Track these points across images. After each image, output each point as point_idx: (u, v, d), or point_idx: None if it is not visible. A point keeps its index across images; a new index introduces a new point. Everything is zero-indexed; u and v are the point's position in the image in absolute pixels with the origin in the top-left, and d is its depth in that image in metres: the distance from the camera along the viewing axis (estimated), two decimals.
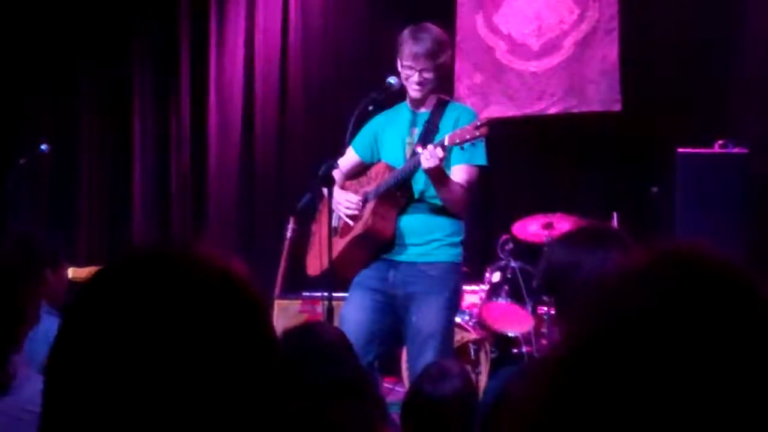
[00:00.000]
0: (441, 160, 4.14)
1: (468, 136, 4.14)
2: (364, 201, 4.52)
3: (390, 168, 4.48)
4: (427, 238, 4.41)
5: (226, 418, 0.97)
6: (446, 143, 4.16)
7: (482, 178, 4.52)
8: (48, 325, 1.88)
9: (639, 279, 0.93)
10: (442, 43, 4.47)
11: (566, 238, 2.62)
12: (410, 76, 4.42)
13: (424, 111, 4.51)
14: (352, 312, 4.40)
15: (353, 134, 4.52)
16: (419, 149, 4.28)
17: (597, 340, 0.91)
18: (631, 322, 0.90)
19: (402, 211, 4.44)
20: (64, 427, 0.98)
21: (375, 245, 4.46)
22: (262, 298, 1.06)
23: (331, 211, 4.43)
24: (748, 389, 0.86)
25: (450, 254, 4.43)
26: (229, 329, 0.99)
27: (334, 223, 4.60)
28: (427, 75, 4.41)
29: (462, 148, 4.19)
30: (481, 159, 4.39)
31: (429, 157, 4.13)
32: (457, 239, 4.45)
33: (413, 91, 4.44)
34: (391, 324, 4.45)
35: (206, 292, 1.00)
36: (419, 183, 4.40)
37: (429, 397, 2.96)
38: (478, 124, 4.15)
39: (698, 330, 0.88)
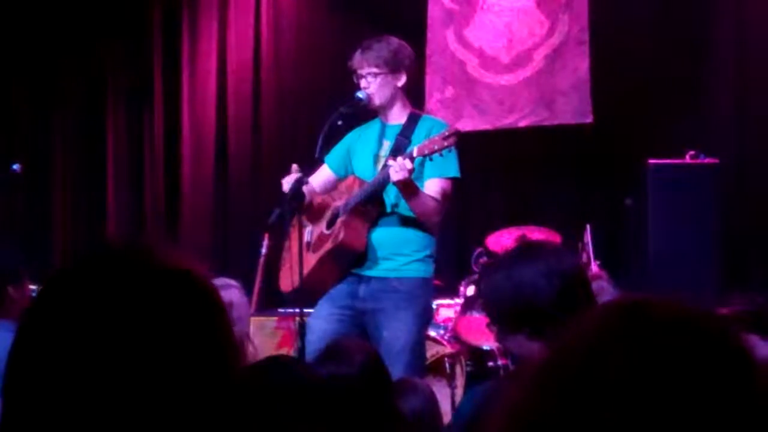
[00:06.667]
0: (410, 172, 4.13)
1: (436, 147, 4.14)
2: (335, 215, 4.51)
3: (361, 181, 4.47)
4: (397, 252, 4.39)
5: (180, 418, 0.96)
6: (415, 155, 4.16)
7: (456, 189, 4.53)
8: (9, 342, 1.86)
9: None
10: (393, 51, 4.46)
11: (500, 264, 2.56)
12: (360, 82, 4.44)
13: (394, 124, 4.51)
14: (317, 323, 4.36)
15: (322, 149, 4.49)
16: (390, 162, 4.27)
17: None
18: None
19: (373, 224, 4.43)
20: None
21: (347, 260, 4.43)
22: (221, 301, 1.05)
23: (302, 227, 4.41)
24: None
25: (420, 270, 4.41)
26: (186, 330, 0.98)
27: (307, 237, 4.58)
28: (372, 79, 4.41)
29: (430, 159, 4.19)
30: (454, 171, 4.39)
31: (398, 169, 4.13)
32: (427, 254, 4.43)
33: (370, 99, 4.45)
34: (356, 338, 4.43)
35: (165, 293, 0.99)
36: (391, 196, 4.39)
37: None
38: (447, 134, 4.16)
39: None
